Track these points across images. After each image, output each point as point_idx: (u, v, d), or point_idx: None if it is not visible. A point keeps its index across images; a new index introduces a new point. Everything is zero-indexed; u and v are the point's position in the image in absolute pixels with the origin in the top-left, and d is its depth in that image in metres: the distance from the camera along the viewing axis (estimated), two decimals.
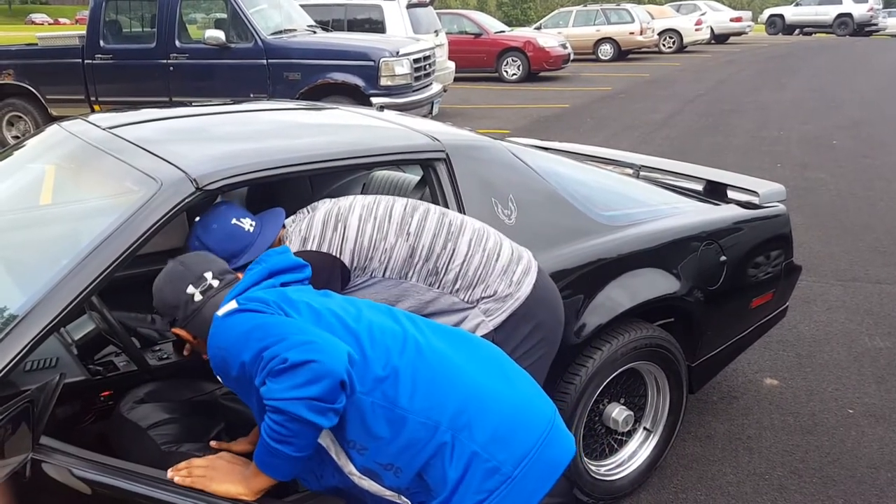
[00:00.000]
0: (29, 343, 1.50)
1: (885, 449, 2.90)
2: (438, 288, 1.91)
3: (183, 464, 1.53)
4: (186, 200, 1.74)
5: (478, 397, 1.46)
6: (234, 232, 1.86)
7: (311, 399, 1.31)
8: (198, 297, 1.56)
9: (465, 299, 1.92)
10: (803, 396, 3.28)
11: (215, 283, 1.58)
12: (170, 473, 1.51)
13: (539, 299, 1.98)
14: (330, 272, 1.86)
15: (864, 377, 3.43)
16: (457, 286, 1.91)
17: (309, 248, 1.86)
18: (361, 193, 2.48)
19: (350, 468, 1.48)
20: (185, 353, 2.31)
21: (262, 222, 1.92)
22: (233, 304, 1.47)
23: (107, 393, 2.14)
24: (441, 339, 1.55)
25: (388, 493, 1.47)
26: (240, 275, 1.65)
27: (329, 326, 1.46)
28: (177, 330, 1.61)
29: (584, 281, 2.31)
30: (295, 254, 1.76)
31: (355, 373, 1.40)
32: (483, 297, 1.92)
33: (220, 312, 1.46)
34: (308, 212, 1.97)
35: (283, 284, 1.56)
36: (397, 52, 7.65)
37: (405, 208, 1.94)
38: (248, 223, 1.89)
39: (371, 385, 1.42)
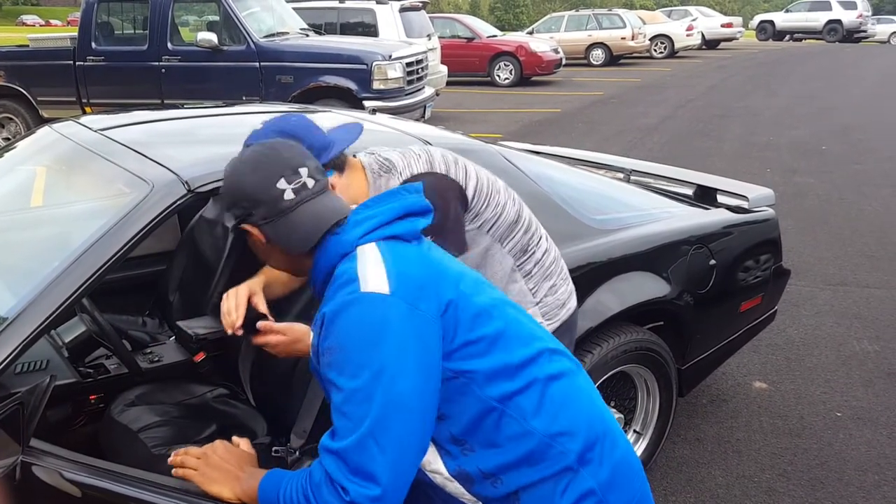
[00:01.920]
0: (19, 345, 1.50)
1: (873, 451, 2.92)
2: (519, 266, 1.88)
3: (181, 451, 1.41)
4: (178, 203, 1.74)
5: (609, 434, 1.35)
6: (317, 127, 1.68)
7: None
8: (289, 196, 1.29)
9: (533, 291, 1.91)
10: (792, 399, 3.30)
11: (310, 182, 1.32)
12: (171, 457, 1.41)
13: (573, 320, 2.01)
14: (458, 203, 1.74)
15: (852, 380, 3.46)
16: (533, 272, 1.89)
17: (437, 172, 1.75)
18: None
19: (437, 466, 1.33)
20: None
21: (336, 131, 1.76)
22: (381, 278, 1.20)
23: (97, 395, 2.14)
24: (564, 355, 1.41)
25: (468, 497, 1.35)
26: (333, 180, 1.42)
27: (476, 320, 1.28)
28: (249, 227, 1.34)
29: (574, 284, 2.32)
30: (422, 175, 1.61)
31: (496, 380, 1.26)
32: (547, 295, 1.92)
33: (368, 286, 1.20)
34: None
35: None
36: (390, 56, 7.66)
37: (498, 178, 1.91)
38: (324, 127, 1.75)
39: (507, 394, 1.27)
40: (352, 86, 7.45)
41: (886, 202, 6.43)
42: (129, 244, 1.66)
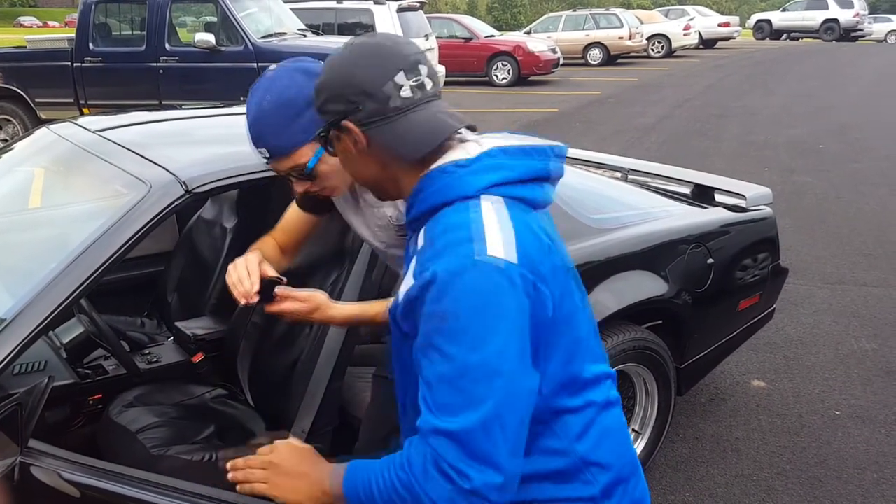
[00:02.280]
0: (18, 346, 1.49)
1: (871, 450, 2.92)
2: None
3: (238, 462, 1.21)
4: (176, 203, 1.74)
5: (636, 474, 1.26)
6: None
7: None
8: (406, 94, 1.09)
9: None
10: (790, 398, 3.30)
11: (428, 83, 1.12)
12: (230, 473, 1.22)
13: None
14: None
15: (850, 379, 3.46)
16: None
17: None
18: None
19: None
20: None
21: None
22: (505, 245, 1.03)
23: (96, 396, 2.14)
24: (616, 383, 1.30)
25: None
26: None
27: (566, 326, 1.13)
28: (350, 125, 1.11)
29: None
30: None
31: (561, 392, 1.15)
32: None
33: (491, 252, 1.02)
34: None
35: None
36: None
37: None
38: None
39: (562, 409, 1.16)
40: None
41: (884, 201, 6.44)
42: (128, 245, 1.65)
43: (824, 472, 2.79)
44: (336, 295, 1.98)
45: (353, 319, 1.58)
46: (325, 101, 1.12)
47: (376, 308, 1.57)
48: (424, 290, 1.04)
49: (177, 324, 2.44)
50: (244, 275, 1.50)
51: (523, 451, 1.05)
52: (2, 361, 1.48)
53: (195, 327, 2.39)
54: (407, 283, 1.11)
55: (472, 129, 1.20)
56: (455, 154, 1.12)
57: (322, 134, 1.15)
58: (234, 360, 2.21)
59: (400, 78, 1.09)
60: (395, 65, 1.10)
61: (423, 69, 1.12)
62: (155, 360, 2.33)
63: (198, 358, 2.33)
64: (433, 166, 1.12)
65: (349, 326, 1.63)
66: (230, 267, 1.54)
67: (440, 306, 1.03)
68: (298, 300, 1.52)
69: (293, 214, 1.75)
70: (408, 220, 1.17)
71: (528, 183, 1.13)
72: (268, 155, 1.41)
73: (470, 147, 1.13)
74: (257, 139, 1.42)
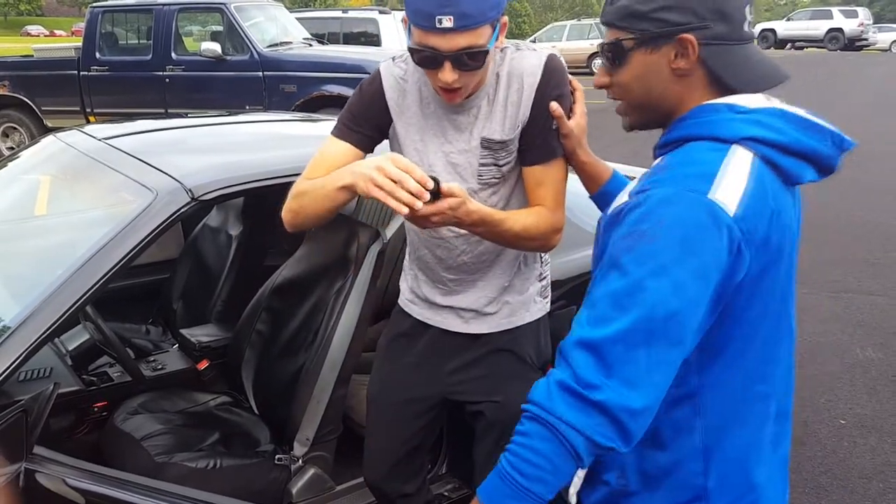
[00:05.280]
0: (23, 353, 1.50)
1: (877, 459, 2.91)
2: None
3: None
4: (182, 210, 1.75)
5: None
6: None
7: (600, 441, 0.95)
8: (747, 27, 1.06)
9: (542, 261, 1.76)
10: (796, 407, 3.24)
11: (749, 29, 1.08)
12: None
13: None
14: None
15: (856, 388, 3.45)
16: None
17: None
18: (355, 204, 2.49)
19: None
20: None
21: None
22: (736, 195, 0.97)
23: (101, 403, 2.15)
24: None
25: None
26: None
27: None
28: (692, 41, 1.02)
29: (576, 292, 2.32)
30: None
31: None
32: (546, 264, 1.78)
33: (717, 194, 0.97)
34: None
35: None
36: None
37: None
38: None
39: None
40: None
41: (889, 209, 6.43)
42: (133, 252, 1.66)
43: (830, 482, 2.77)
44: (340, 303, 1.98)
45: (483, 219, 1.41)
46: (663, 9, 1.03)
47: (501, 215, 1.45)
48: (633, 208, 1.00)
49: (182, 331, 2.45)
50: (406, 166, 1.26)
51: (663, 393, 0.98)
52: (8, 368, 1.48)
53: (200, 335, 2.40)
54: (621, 199, 1.08)
55: None
56: (738, 99, 1.06)
57: (634, 38, 1.06)
58: (239, 367, 2.22)
59: (748, 9, 1.05)
60: None
61: (749, 9, 1.07)
62: (160, 367, 2.34)
63: (202, 365, 2.34)
64: (712, 101, 1.06)
65: (472, 230, 1.45)
66: (375, 169, 1.26)
67: (640, 226, 0.98)
68: (455, 194, 1.32)
69: (340, 152, 1.55)
70: (659, 143, 1.14)
71: (791, 155, 1.03)
72: (450, 25, 1.27)
73: (755, 98, 1.06)
74: (448, 2, 1.26)
